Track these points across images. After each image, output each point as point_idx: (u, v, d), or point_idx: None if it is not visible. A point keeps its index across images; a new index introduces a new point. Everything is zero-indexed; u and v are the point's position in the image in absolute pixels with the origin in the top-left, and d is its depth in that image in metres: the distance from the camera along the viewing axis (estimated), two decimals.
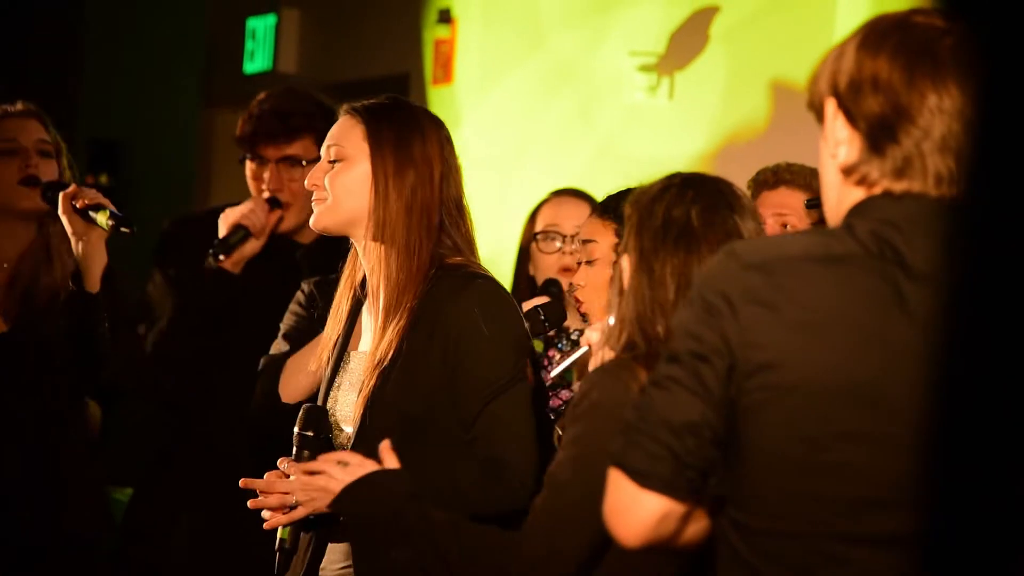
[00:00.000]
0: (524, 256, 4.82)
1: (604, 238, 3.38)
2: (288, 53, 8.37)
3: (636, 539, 2.27)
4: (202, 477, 4.38)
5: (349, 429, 3.26)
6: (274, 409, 3.73)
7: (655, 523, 2.25)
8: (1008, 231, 1.58)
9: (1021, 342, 1.57)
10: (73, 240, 3.90)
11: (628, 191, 3.41)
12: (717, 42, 6.06)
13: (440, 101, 7.28)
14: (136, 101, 9.03)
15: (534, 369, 3.31)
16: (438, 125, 3.34)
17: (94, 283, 3.91)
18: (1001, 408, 1.58)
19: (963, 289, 1.60)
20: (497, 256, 6.26)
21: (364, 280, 3.35)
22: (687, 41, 6.14)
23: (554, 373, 3.27)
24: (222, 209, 4.44)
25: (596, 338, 2.94)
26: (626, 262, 2.71)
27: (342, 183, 3.27)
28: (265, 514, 3.19)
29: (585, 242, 3.43)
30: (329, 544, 3.26)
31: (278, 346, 3.87)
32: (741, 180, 3.39)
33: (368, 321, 3.34)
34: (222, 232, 4.35)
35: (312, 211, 3.34)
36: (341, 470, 3.05)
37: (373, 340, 3.25)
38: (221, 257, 4.32)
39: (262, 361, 3.85)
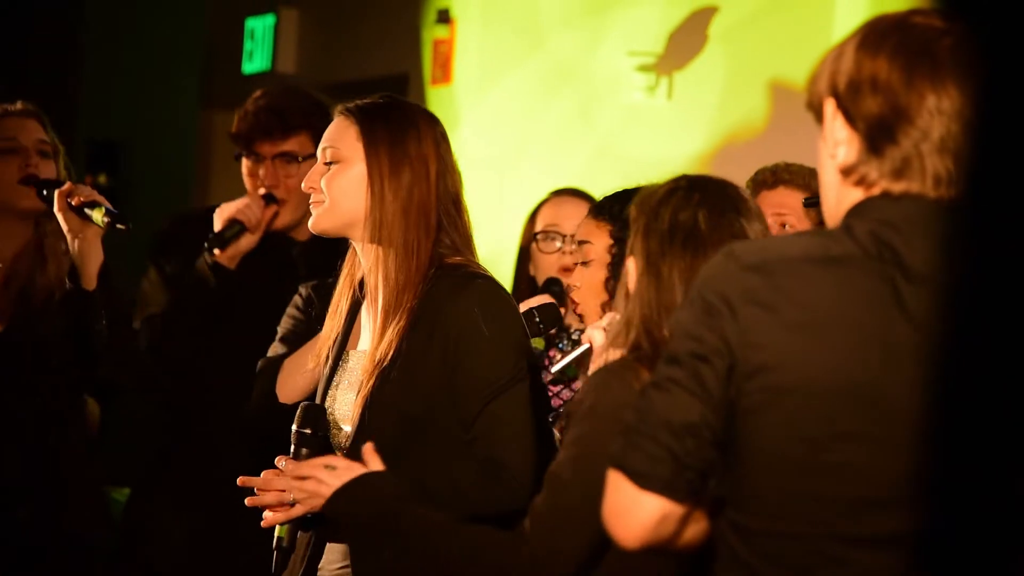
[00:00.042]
0: (524, 256, 4.83)
1: (599, 239, 3.39)
2: (287, 53, 8.37)
3: (636, 540, 2.27)
4: (200, 476, 4.38)
5: (348, 428, 3.26)
6: (271, 410, 3.72)
7: (655, 524, 2.25)
8: (1007, 232, 1.58)
9: (1019, 343, 1.57)
10: (69, 238, 3.90)
11: (624, 192, 3.42)
12: (716, 42, 6.06)
13: (439, 101, 7.28)
14: (135, 101, 9.03)
15: (534, 369, 3.31)
16: (433, 122, 3.33)
17: (91, 280, 3.91)
18: (1000, 408, 1.59)
19: (961, 290, 1.60)
20: (496, 256, 6.26)
21: (363, 279, 3.35)
22: (686, 41, 6.14)
23: (555, 369, 3.27)
24: (218, 206, 4.45)
25: (598, 336, 2.94)
26: (632, 264, 2.71)
27: (338, 185, 3.26)
28: (265, 512, 3.19)
29: (580, 243, 3.43)
30: (328, 544, 3.26)
31: (275, 349, 3.86)
32: (740, 180, 3.39)
33: (367, 320, 3.34)
34: (217, 226, 4.36)
35: (308, 208, 3.34)
36: (329, 474, 3.05)
37: (372, 341, 3.25)
38: (216, 251, 4.32)
39: (260, 364, 3.85)
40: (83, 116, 8.68)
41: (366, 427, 3.19)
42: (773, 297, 2.19)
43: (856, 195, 2.25)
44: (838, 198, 2.29)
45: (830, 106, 2.28)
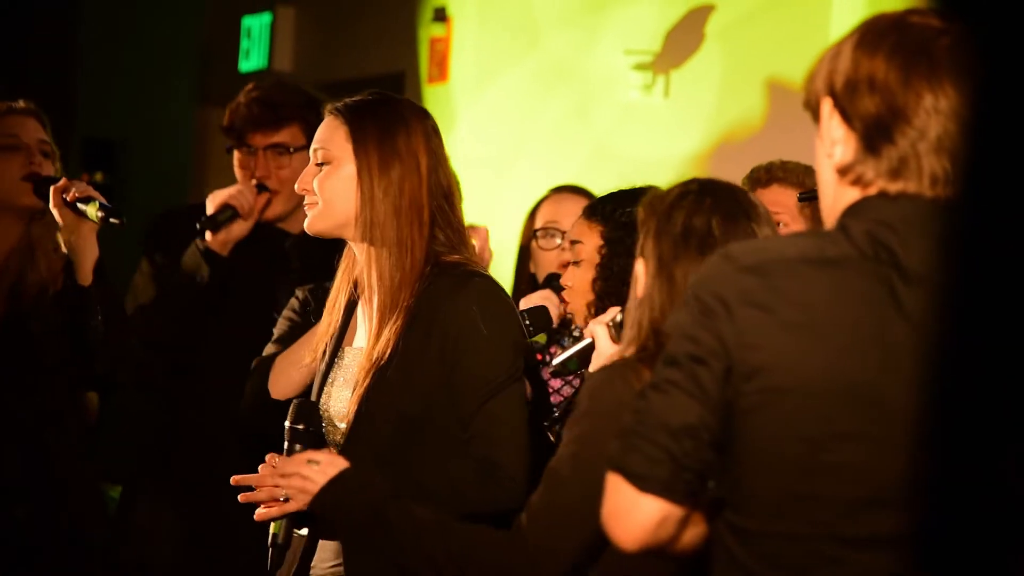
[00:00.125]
0: (525, 255, 4.83)
1: (590, 240, 3.39)
2: (283, 51, 8.37)
3: (635, 543, 2.27)
4: (194, 473, 4.37)
5: (343, 425, 3.25)
6: (264, 406, 3.71)
7: (654, 526, 2.25)
8: (1004, 232, 1.58)
9: (1016, 342, 1.57)
10: (65, 233, 3.91)
11: (617, 194, 3.42)
12: (713, 41, 6.06)
13: (435, 100, 7.28)
14: (132, 100, 9.03)
15: (531, 368, 3.31)
16: (422, 116, 3.31)
17: (86, 276, 3.92)
18: (997, 407, 1.59)
19: (958, 290, 1.60)
20: (493, 250, 6.26)
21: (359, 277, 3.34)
22: (683, 40, 6.14)
23: (556, 362, 3.27)
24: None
25: (600, 331, 2.95)
26: (641, 267, 2.70)
27: (330, 187, 3.25)
28: (259, 508, 3.19)
29: (573, 243, 3.44)
30: (320, 543, 3.25)
31: (270, 350, 3.85)
32: (737, 179, 3.40)
33: (363, 317, 3.33)
34: (210, 210, 4.36)
35: (300, 200, 3.34)
36: (313, 470, 3.05)
37: (369, 340, 3.24)
38: (208, 235, 4.32)
39: (254, 363, 3.84)
40: (81, 114, 8.67)
41: (362, 425, 3.20)
42: (770, 298, 2.19)
43: (853, 194, 2.25)
44: (835, 197, 2.29)
45: (827, 105, 2.28)
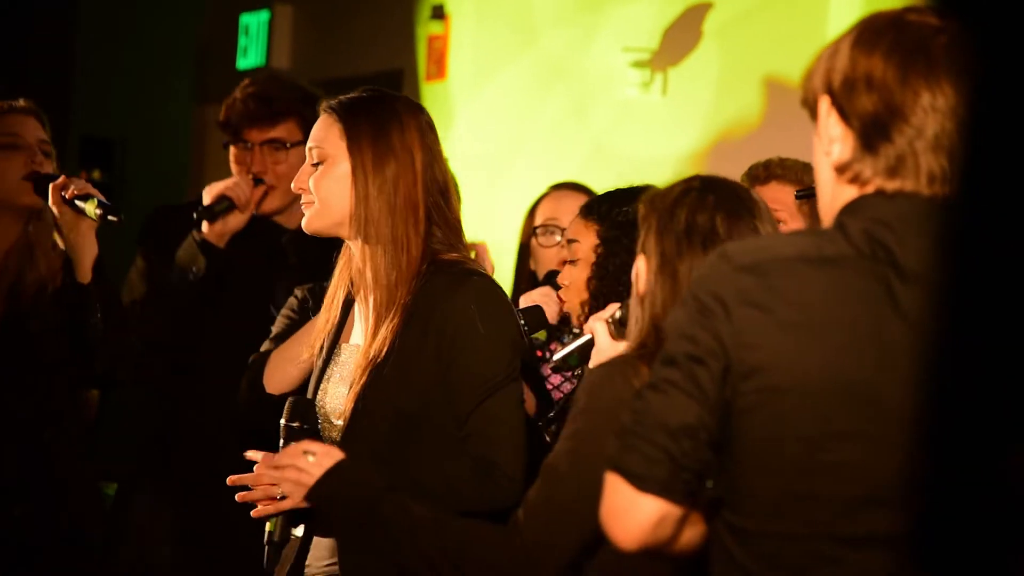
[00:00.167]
0: (525, 252, 4.83)
1: (586, 239, 3.39)
2: (281, 49, 8.37)
3: (633, 542, 2.27)
4: (191, 470, 4.37)
5: (339, 423, 3.25)
6: (260, 402, 3.70)
7: (652, 526, 2.25)
8: (1001, 230, 1.58)
9: (1014, 341, 1.57)
10: (64, 231, 3.91)
11: (614, 192, 3.42)
12: (710, 38, 6.06)
13: (433, 97, 7.27)
14: (130, 97, 9.03)
15: (528, 366, 3.31)
16: (417, 112, 3.29)
17: (85, 274, 3.92)
18: (995, 406, 1.59)
19: (955, 288, 1.60)
20: (491, 249, 6.25)
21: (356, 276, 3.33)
22: (680, 37, 6.14)
23: (556, 357, 3.26)
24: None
25: (599, 327, 2.95)
26: (643, 264, 2.70)
27: (325, 186, 3.24)
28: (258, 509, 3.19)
29: (569, 241, 3.44)
30: (315, 540, 3.25)
31: (267, 347, 3.85)
32: (734, 176, 3.39)
33: (360, 314, 3.33)
34: (207, 200, 4.36)
35: (296, 196, 3.33)
36: (309, 463, 3.05)
37: (366, 338, 3.24)
38: (205, 225, 4.32)
39: (251, 359, 3.83)
40: (78, 112, 8.68)
41: (358, 423, 3.19)
42: (767, 297, 2.19)
43: (850, 193, 2.25)
44: (833, 195, 2.29)
45: (825, 103, 2.28)
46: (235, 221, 4.37)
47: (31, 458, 3.98)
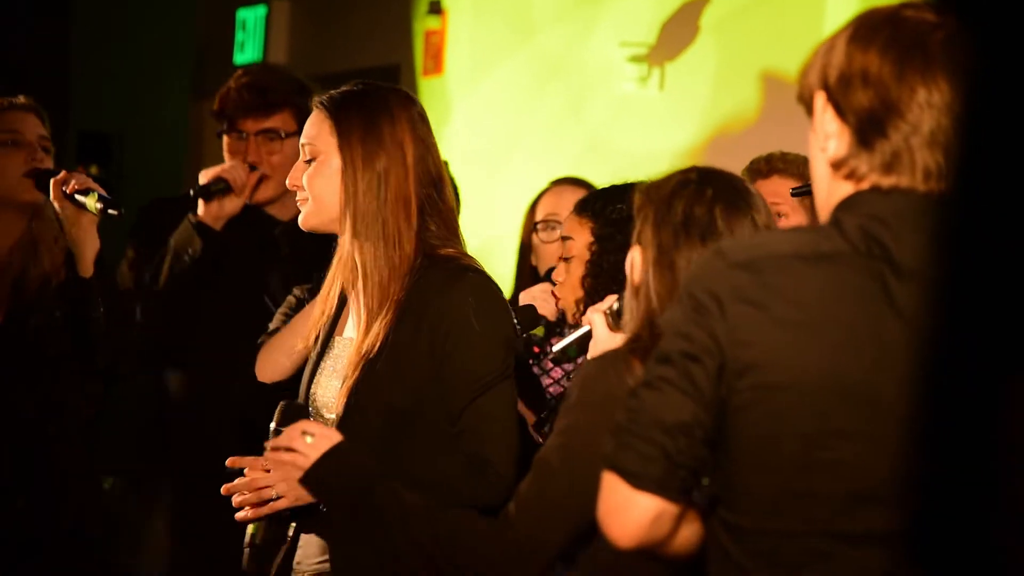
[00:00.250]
0: (526, 249, 4.83)
1: (580, 236, 3.39)
2: (278, 44, 8.36)
3: (630, 540, 2.27)
4: (189, 465, 4.37)
5: (331, 416, 3.23)
6: (258, 394, 3.68)
7: (649, 524, 2.25)
8: (996, 226, 1.58)
9: (1009, 337, 1.57)
10: (65, 225, 3.91)
11: (609, 189, 3.42)
12: (708, 33, 6.06)
13: (430, 92, 7.27)
14: (127, 93, 9.02)
15: (524, 364, 3.30)
16: (408, 105, 3.26)
17: (87, 268, 3.92)
18: (991, 403, 1.59)
19: (950, 284, 1.60)
20: (489, 246, 6.26)
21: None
22: (678, 32, 6.14)
23: (555, 348, 3.26)
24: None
25: (597, 319, 2.95)
26: (639, 255, 2.69)
27: (319, 183, 3.23)
28: (241, 515, 3.18)
29: (564, 239, 3.43)
30: (305, 538, 3.24)
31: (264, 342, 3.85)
32: (732, 170, 3.39)
33: (354, 308, 3.31)
34: (203, 181, 4.36)
35: (286, 186, 3.33)
36: (307, 445, 3.05)
37: (358, 334, 3.22)
38: (200, 208, 4.31)
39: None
40: (76, 108, 8.67)
41: (351, 418, 3.17)
42: (762, 294, 2.19)
43: (846, 188, 2.25)
44: (829, 191, 2.29)
45: (820, 99, 2.28)
46: (231, 205, 4.37)
47: (33, 452, 3.98)
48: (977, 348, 1.58)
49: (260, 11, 8.42)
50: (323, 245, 3.37)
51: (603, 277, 3.30)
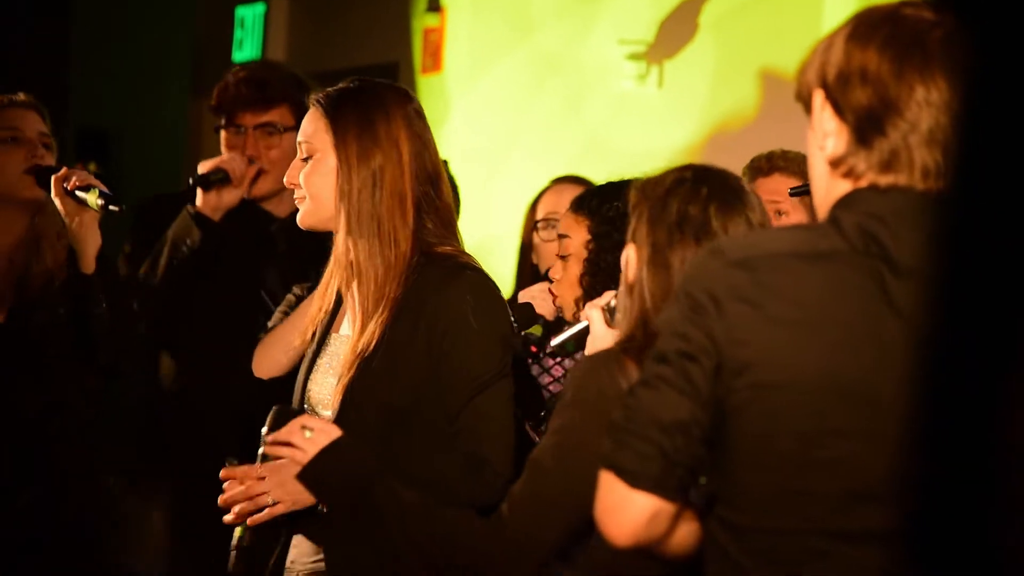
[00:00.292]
0: (527, 249, 4.82)
1: (577, 234, 3.39)
2: (277, 42, 8.36)
3: (627, 538, 2.27)
4: (188, 464, 4.36)
5: (326, 413, 3.22)
6: (256, 390, 3.68)
7: (646, 522, 2.25)
8: (995, 225, 1.58)
9: (1007, 336, 1.57)
10: (67, 222, 3.91)
11: (606, 186, 3.42)
12: (706, 30, 6.06)
13: (429, 90, 7.27)
14: (125, 90, 9.02)
15: (521, 362, 3.30)
16: (404, 101, 3.24)
17: (89, 264, 3.92)
18: (989, 402, 1.59)
19: (949, 283, 1.60)
20: (487, 243, 6.26)
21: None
22: (676, 29, 6.14)
23: (554, 343, 3.26)
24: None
25: (595, 315, 2.95)
26: (633, 253, 2.69)
27: (315, 181, 3.22)
28: (229, 517, 3.17)
29: (561, 236, 3.43)
30: (299, 538, 3.23)
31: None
32: (730, 168, 3.39)
33: (351, 305, 3.30)
34: (202, 171, 4.36)
35: (283, 181, 3.32)
36: (306, 440, 3.04)
37: (354, 332, 3.20)
38: (199, 199, 4.31)
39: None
40: (74, 105, 8.66)
41: (346, 417, 3.15)
42: (759, 293, 2.19)
43: (844, 187, 2.25)
44: (827, 189, 2.29)
45: (819, 97, 2.28)
46: (229, 197, 4.36)
47: (36, 450, 3.98)
48: (975, 347, 1.58)
49: (259, 8, 8.41)
50: (320, 242, 3.36)
51: (601, 275, 3.30)
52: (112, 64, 9.02)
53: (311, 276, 3.63)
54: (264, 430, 3.18)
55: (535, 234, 4.70)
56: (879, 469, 2.16)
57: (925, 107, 2.19)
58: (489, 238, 6.35)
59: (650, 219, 2.69)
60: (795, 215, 3.82)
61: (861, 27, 2.25)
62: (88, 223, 3.91)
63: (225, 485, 3.17)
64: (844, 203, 2.23)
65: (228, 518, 3.16)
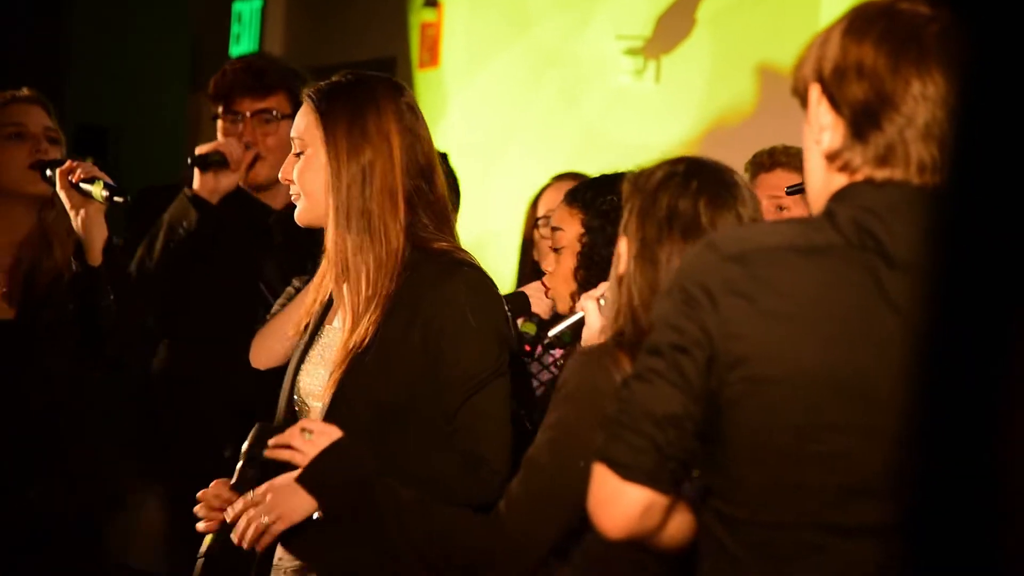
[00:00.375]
0: (528, 245, 4.82)
1: (570, 227, 3.38)
2: (274, 36, 8.36)
3: (620, 531, 2.27)
4: (187, 462, 4.36)
5: (317, 405, 3.20)
6: (255, 384, 3.67)
7: (638, 515, 2.25)
8: (990, 220, 1.58)
9: (1002, 330, 1.57)
10: (72, 215, 3.90)
11: (600, 179, 3.41)
12: (703, 25, 6.05)
13: (426, 85, 7.27)
14: (123, 86, 9.02)
15: (517, 359, 3.30)
16: (395, 94, 3.20)
17: (95, 256, 3.91)
18: (984, 397, 1.58)
19: (944, 277, 1.59)
20: (484, 239, 6.26)
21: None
22: (673, 24, 6.14)
23: (551, 334, 3.26)
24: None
25: (591, 306, 2.95)
26: (624, 246, 2.69)
27: (308, 178, 3.20)
28: (202, 526, 3.16)
29: (554, 229, 3.43)
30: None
31: None
32: (728, 163, 3.39)
33: (342, 301, 3.28)
34: (198, 154, 4.35)
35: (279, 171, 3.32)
36: (306, 442, 3.03)
37: (345, 329, 3.18)
38: (196, 181, 4.31)
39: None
40: (73, 101, 8.66)
41: (337, 412, 3.12)
42: (754, 287, 2.19)
43: (840, 181, 2.25)
44: (823, 183, 2.29)
45: (815, 91, 2.28)
46: (226, 180, 4.35)
47: (41, 447, 3.98)
48: (971, 341, 1.58)
49: (256, 3, 8.41)
50: (317, 234, 3.35)
51: (595, 269, 3.29)
52: (110, 61, 9.01)
53: (308, 268, 3.63)
54: (244, 447, 3.15)
55: (536, 231, 4.70)
56: (874, 463, 2.16)
57: (921, 101, 2.19)
58: (486, 233, 6.35)
59: (640, 213, 2.69)
60: (796, 210, 3.83)
61: (857, 21, 2.25)
62: (93, 215, 3.90)
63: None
64: (839, 197, 2.23)
65: (200, 526, 3.13)
